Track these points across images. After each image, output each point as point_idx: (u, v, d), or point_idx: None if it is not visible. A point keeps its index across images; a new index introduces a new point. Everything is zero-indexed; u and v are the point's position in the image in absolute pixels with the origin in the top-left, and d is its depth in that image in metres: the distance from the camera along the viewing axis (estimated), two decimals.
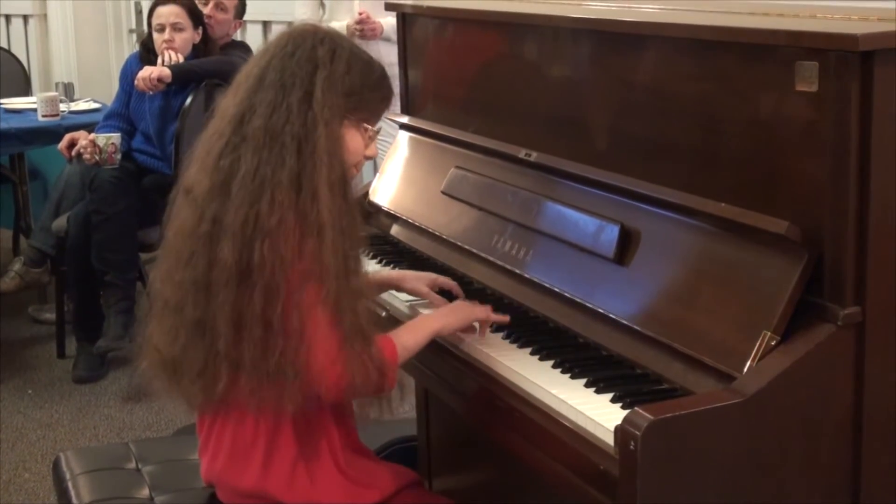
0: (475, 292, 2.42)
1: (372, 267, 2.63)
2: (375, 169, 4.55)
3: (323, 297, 1.94)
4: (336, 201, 1.98)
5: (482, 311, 2.20)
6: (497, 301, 2.36)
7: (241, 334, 1.96)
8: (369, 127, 2.12)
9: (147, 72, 4.50)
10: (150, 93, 4.54)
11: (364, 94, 2.09)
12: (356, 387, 2.00)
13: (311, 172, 1.97)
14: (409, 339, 2.13)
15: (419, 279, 2.42)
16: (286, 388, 1.97)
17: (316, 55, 2.04)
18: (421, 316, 2.29)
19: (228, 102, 2.07)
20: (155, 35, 4.64)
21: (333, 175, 1.99)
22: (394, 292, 2.45)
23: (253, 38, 6.18)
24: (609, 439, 1.76)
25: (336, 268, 1.95)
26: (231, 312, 1.95)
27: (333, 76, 2.03)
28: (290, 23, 5.15)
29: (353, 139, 2.09)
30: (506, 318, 2.21)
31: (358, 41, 4.85)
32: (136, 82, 4.54)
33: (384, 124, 4.87)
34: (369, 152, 2.14)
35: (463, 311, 2.21)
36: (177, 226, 2.05)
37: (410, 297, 2.42)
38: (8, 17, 7.44)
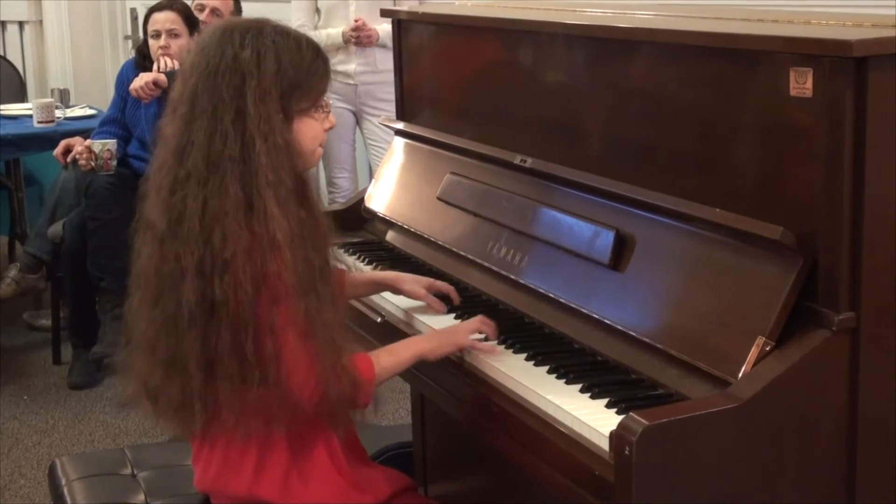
0: (470, 298, 2.42)
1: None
2: (371, 175, 4.56)
3: (293, 316, 1.92)
4: (290, 216, 1.92)
5: (469, 341, 2.15)
6: (492, 307, 2.36)
7: (213, 372, 1.94)
8: (321, 107, 2.06)
9: (141, 80, 4.49)
10: (147, 100, 4.54)
11: (303, 83, 2.00)
12: (331, 399, 1.98)
13: (257, 194, 1.91)
14: (389, 360, 2.10)
15: (417, 282, 2.40)
16: (270, 412, 1.97)
17: (240, 64, 1.94)
18: (407, 339, 2.25)
19: (168, 130, 2.00)
20: (151, 41, 4.63)
21: (282, 190, 1.92)
22: (389, 296, 2.45)
23: None
24: (604, 445, 1.76)
25: (301, 284, 1.91)
26: (200, 353, 1.93)
27: (263, 83, 1.94)
28: None
29: (308, 128, 2.03)
30: (495, 350, 2.15)
31: (354, 48, 4.90)
32: (131, 90, 4.53)
33: (379, 130, 4.88)
34: (327, 125, 2.08)
35: (452, 337, 2.17)
36: (143, 262, 2.01)
37: (408, 302, 2.41)
38: (3, 24, 7.43)
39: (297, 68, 2.00)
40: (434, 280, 2.42)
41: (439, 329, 2.26)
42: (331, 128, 2.10)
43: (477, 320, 2.20)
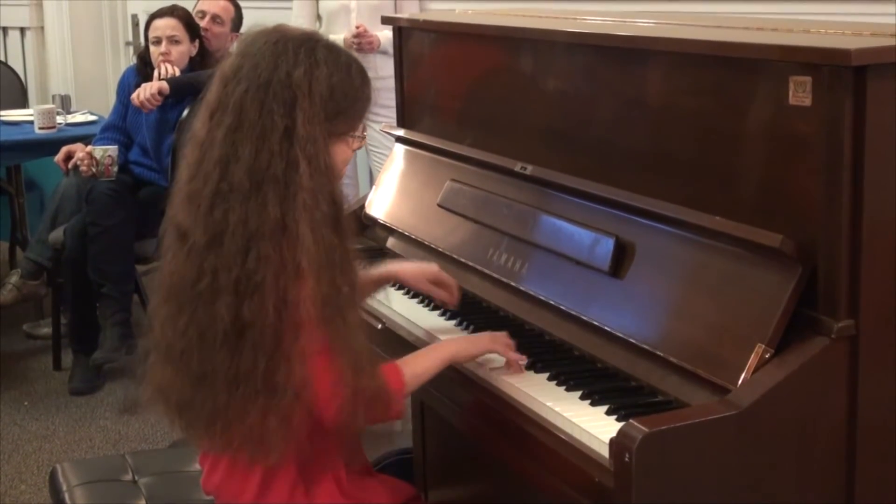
0: (470, 305, 2.42)
1: None
2: (372, 181, 4.56)
3: (316, 343, 1.89)
4: (321, 241, 1.89)
5: (500, 345, 2.12)
6: (492, 314, 2.37)
7: (238, 392, 1.91)
8: (356, 135, 2.04)
9: (145, 91, 4.49)
10: (150, 110, 4.54)
11: (348, 109, 1.99)
12: (358, 419, 1.95)
13: (293, 218, 1.88)
14: (419, 365, 2.07)
15: (421, 273, 2.37)
16: (292, 440, 1.94)
17: (292, 82, 1.91)
18: (436, 343, 2.23)
19: (206, 136, 1.95)
20: (151, 48, 4.65)
21: (318, 214, 1.90)
22: (389, 302, 2.45)
23: None
24: (604, 451, 1.76)
25: (325, 311, 1.89)
26: (228, 371, 1.91)
27: (314, 106, 1.92)
28: None
29: (341, 151, 2.00)
30: (524, 358, 2.11)
31: (355, 54, 4.90)
32: (133, 101, 4.53)
33: (380, 136, 4.89)
34: (356, 146, 2.05)
35: (481, 341, 2.15)
36: (175, 272, 1.96)
37: (408, 308, 2.41)
38: (5, 30, 7.45)
39: (346, 93, 1.98)
40: (439, 270, 2.38)
41: (473, 335, 2.23)
42: (358, 148, 2.08)
43: (506, 338, 2.15)
